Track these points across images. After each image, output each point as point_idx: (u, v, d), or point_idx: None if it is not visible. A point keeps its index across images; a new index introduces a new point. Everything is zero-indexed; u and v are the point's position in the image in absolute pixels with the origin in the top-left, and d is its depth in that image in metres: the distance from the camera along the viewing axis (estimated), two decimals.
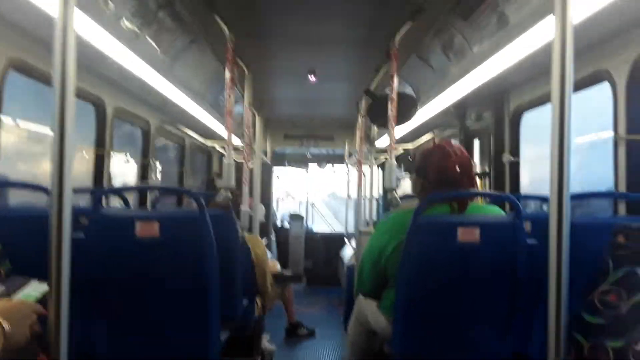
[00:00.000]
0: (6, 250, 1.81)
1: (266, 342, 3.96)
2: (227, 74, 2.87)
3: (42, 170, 3.69)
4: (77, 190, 2.87)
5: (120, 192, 2.85)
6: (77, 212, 1.82)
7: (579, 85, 2.63)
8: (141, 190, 4.26)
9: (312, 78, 4.41)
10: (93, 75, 3.22)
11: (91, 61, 2.84)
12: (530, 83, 3.29)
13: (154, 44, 3.16)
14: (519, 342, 1.92)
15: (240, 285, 2.49)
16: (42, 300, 1.26)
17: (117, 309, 1.93)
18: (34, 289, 1.29)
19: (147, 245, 1.89)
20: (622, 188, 2.36)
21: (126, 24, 2.77)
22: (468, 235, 1.85)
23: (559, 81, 1.25)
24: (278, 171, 9.13)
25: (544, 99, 3.23)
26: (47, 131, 3.55)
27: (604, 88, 2.53)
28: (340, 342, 4.70)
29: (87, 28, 2.35)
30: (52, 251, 1.22)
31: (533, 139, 3.75)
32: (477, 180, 3.95)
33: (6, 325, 1.09)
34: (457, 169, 2.06)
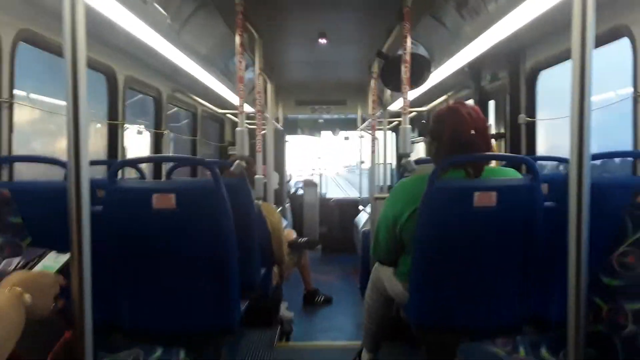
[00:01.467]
0: (26, 224, 1.84)
1: (284, 310, 4.03)
2: (237, 39, 2.81)
3: (58, 147, 3.70)
4: (93, 163, 2.90)
5: (135, 163, 2.86)
6: (94, 185, 1.83)
7: (597, 42, 2.55)
8: (156, 161, 4.28)
9: (322, 41, 4.33)
10: (102, 45, 3.20)
11: (99, 30, 2.81)
12: (547, 41, 3.21)
13: (161, 9, 3.12)
14: (538, 305, 1.92)
15: (257, 254, 2.51)
16: (62, 271, 1.27)
17: (137, 280, 1.96)
18: (54, 260, 1.30)
19: (164, 216, 1.90)
20: None
21: None
22: (485, 199, 1.83)
23: (579, 36, 1.21)
24: (291, 140, 9.09)
25: (561, 57, 3.15)
26: (60, 104, 3.55)
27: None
28: (356, 309, 4.76)
29: None
30: (72, 224, 1.23)
31: (549, 102, 3.68)
32: (493, 142, 3.90)
33: (28, 297, 1.10)
34: (472, 131, 2.01)
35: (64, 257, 1.29)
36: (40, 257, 1.30)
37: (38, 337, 1.40)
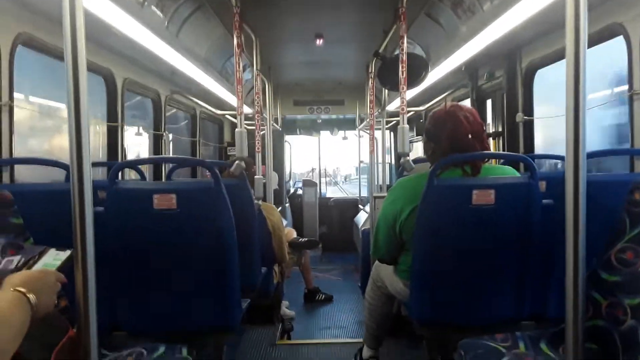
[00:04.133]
0: (28, 226, 1.85)
1: (285, 309, 4.05)
2: (235, 40, 2.82)
3: (56, 144, 3.72)
4: (94, 165, 2.91)
5: (136, 165, 2.87)
6: (95, 187, 1.84)
7: (592, 41, 2.57)
8: (156, 162, 4.30)
9: (320, 41, 4.35)
10: (101, 48, 3.21)
11: (98, 33, 2.82)
12: (542, 39, 3.22)
13: (159, 12, 3.13)
14: (536, 302, 1.94)
15: (258, 254, 2.53)
16: (63, 269, 1.28)
17: (139, 280, 1.98)
18: (54, 258, 1.30)
19: (165, 217, 1.91)
20: (639, 144, 2.33)
21: None
22: (483, 197, 1.85)
23: (572, 36, 1.23)
24: (291, 140, 9.11)
25: (557, 55, 3.17)
26: (58, 106, 3.56)
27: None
28: (357, 306, 4.78)
29: None
30: (75, 225, 1.25)
31: (546, 99, 3.70)
32: (490, 141, 3.92)
33: (32, 297, 1.11)
34: (469, 136, 2.04)
35: (64, 254, 1.29)
36: (40, 254, 1.30)
37: (41, 337, 1.41)
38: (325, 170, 10.62)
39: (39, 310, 1.12)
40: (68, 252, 1.29)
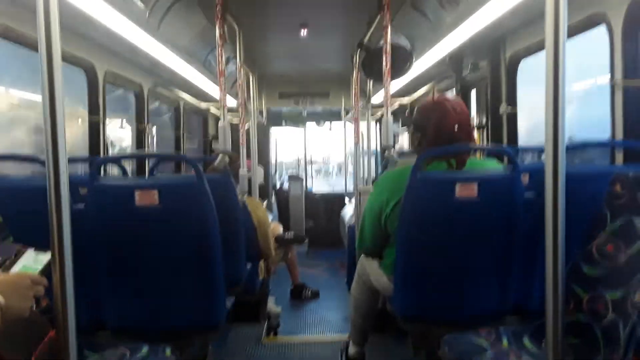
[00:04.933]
0: (6, 223, 1.82)
1: (271, 305, 4.03)
2: (217, 31, 2.78)
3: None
4: (73, 160, 2.86)
5: (118, 160, 2.84)
6: (75, 183, 1.81)
7: (575, 30, 2.57)
8: (138, 158, 4.25)
9: (304, 32, 4.31)
10: (81, 39, 3.14)
11: (77, 24, 2.76)
12: (526, 29, 3.22)
13: (139, 2, 3.07)
14: (520, 295, 1.95)
15: (243, 250, 2.51)
16: (45, 271, 1.25)
17: (121, 278, 1.96)
18: (34, 260, 1.28)
19: (148, 213, 1.89)
20: (620, 135, 2.34)
21: None
22: (466, 190, 1.85)
23: (552, 26, 1.22)
24: (277, 131, 9.06)
25: (540, 46, 3.17)
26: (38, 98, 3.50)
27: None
28: (343, 302, 4.78)
29: None
30: (52, 223, 1.22)
31: (532, 86, 3.70)
32: (475, 132, 3.93)
33: (1, 299, 1.09)
34: (456, 127, 2.05)
35: (45, 257, 1.27)
36: (17, 255, 1.27)
37: (22, 338, 1.39)
38: (311, 161, 10.57)
39: (11, 313, 1.10)
40: (49, 255, 1.27)
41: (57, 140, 1.19)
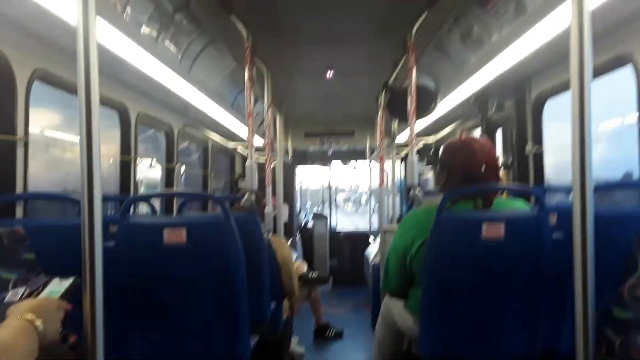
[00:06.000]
0: (39, 260, 1.87)
1: (295, 345, 3.99)
2: (247, 74, 2.87)
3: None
4: (106, 199, 2.93)
5: (148, 199, 2.90)
6: (106, 221, 1.85)
7: (602, 70, 2.57)
8: (167, 197, 4.33)
9: (330, 74, 4.40)
10: (114, 82, 3.28)
11: (112, 68, 2.89)
12: (551, 70, 3.24)
13: (172, 47, 3.20)
14: (549, 338, 1.90)
15: (267, 288, 2.51)
16: (66, 296, 1.28)
17: (148, 315, 1.97)
18: (58, 285, 1.31)
19: (175, 251, 1.92)
20: None
21: (145, 28, 2.81)
22: (493, 231, 1.83)
23: (577, 67, 1.23)
24: (303, 169, 9.15)
25: (566, 86, 3.16)
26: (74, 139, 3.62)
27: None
28: (368, 343, 4.70)
29: (107, 35, 2.39)
30: (85, 260, 1.25)
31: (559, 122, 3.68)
32: (501, 172, 3.90)
33: (39, 323, 1.12)
34: (483, 167, 2.04)
35: (67, 282, 1.31)
36: (45, 284, 1.31)
37: None
38: (337, 190, 10.59)
39: (46, 337, 1.12)
40: (71, 280, 1.31)
41: (93, 180, 1.23)
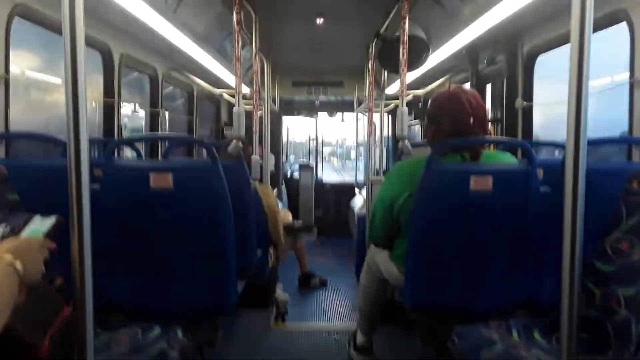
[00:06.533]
0: (23, 202, 1.84)
1: (280, 292, 4.05)
2: (234, 17, 2.77)
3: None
4: (90, 142, 2.88)
5: (133, 142, 2.85)
6: (91, 164, 1.82)
7: (595, 26, 2.54)
8: (154, 139, 4.27)
9: (320, 21, 4.29)
10: (98, 22, 3.16)
11: (95, 6, 2.78)
12: (545, 25, 3.19)
13: None
14: (531, 289, 1.95)
15: (254, 236, 2.52)
16: (50, 234, 1.27)
17: (135, 259, 1.97)
18: (40, 224, 1.29)
19: (162, 196, 1.90)
20: (638, 132, 2.32)
21: None
22: (481, 183, 1.84)
23: (578, 21, 1.20)
24: (288, 119, 9.07)
25: (559, 41, 3.14)
26: (56, 81, 3.52)
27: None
28: (352, 291, 4.80)
29: None
30: (72, 203, 1.23)
31: (546, 81, 3.67)
32: (490, 126, 3.91)
33: (19, 265, 1.10)
34: (471, 120, 2.02)
35: (50, 220, 1.29)
36: (26, 221, 1.29)
37: (36, 315, 1.41)
38: (323, 143, 10.57)
39: (27, 278, 1.11)
40: (54, 218, 1.29)
41: (79, 122, 1.20)
